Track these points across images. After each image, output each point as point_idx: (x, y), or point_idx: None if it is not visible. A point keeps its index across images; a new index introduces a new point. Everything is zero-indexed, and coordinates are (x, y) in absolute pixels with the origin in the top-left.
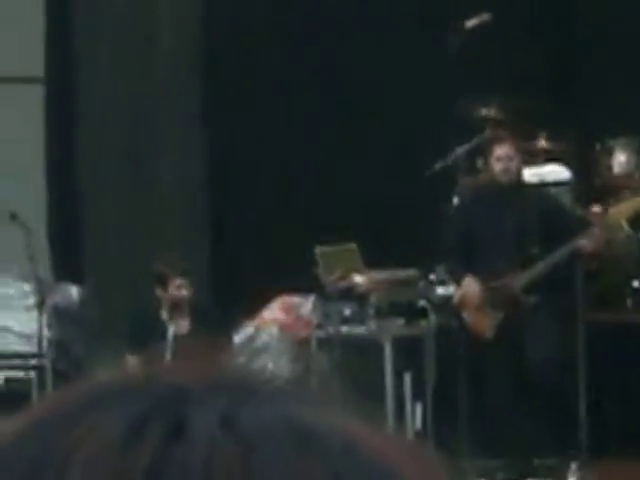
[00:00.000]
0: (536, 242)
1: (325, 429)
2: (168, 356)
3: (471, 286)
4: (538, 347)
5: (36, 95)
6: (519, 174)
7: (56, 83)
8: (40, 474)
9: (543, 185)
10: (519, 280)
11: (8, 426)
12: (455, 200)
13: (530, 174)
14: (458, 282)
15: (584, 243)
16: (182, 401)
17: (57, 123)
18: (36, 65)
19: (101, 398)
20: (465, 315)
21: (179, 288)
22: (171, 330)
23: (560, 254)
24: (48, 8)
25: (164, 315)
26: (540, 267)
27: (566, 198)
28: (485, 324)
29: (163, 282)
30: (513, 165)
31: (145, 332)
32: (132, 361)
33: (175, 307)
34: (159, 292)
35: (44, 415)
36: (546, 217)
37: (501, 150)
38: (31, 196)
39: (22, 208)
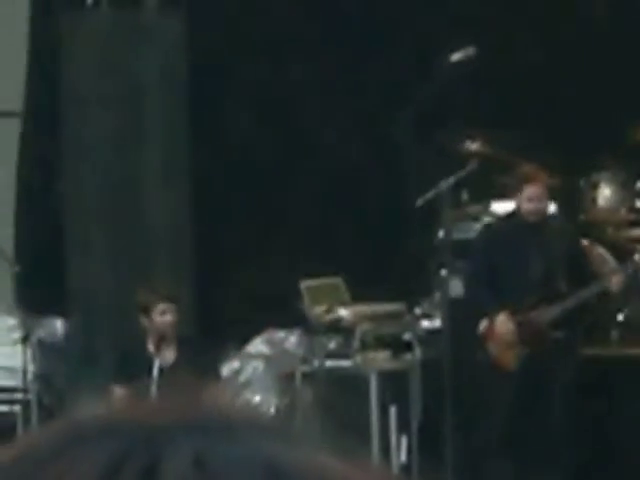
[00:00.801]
0: (563, 278)
1: (302, 469)
2: (154, 389)
3: (505, 323)
4: (560, 379)
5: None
6: (546, 213)
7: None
8: None
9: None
10: (547, 315)
11: None
12: (479, 231)
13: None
14: (486, 314)
15: (612, 282)
16: (158, 441)
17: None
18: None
19: (80, 436)
20: (491, 347)
21: (163, 314)
22: (157, 362)
23: (590, 291)
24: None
25: (150, 347)
26: (569, 303)
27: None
28: (511, 358)
29: (147, 310)
30: (543, 206)
31: (131, 365)
32: (118, 394)
33: (161, 338)
34: (144, 322)
35: (23, 452)
36: (571, 253)
37: (533, 190)
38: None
39: (4, 241)
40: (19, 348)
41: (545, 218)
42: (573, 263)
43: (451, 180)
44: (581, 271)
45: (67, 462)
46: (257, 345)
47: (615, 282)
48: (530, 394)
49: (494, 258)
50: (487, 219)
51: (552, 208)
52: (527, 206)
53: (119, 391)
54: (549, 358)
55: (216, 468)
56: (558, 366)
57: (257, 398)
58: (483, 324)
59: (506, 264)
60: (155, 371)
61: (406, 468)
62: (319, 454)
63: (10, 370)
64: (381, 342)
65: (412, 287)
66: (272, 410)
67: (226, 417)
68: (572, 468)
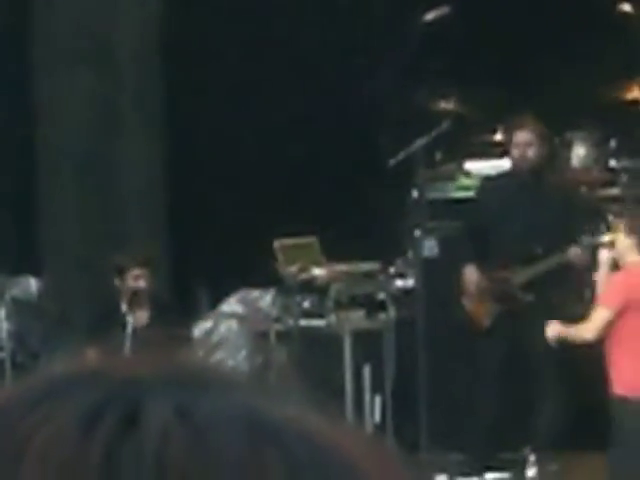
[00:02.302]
0: (542, 240)
1: (281, 421)
2: (127, 348)
3: (471, 275)
4: (530, 344)
5: None
6: (539, 162)
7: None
8: None
9: (564, 177)
10: (517, 277)
11: None
12: (478, 185)
13: (487, 167)
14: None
15: (572, 257)
16: (137, 392)
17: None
18: None
19: (56, 388)
20: (465, 302)
21: (137, 279)
22: (130, 322)
23: (555, 261)
24: None
25: (123, 307)
26: (538, 268)
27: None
28: (483, 313)
29: (121, 273)
30: (531, 152)
31: (104, 324)
32: (91, 353)
33: (134, 299)
34: (118, 283)
35: (1, 404)
36: (561, 215)
37: (520, 136)
38: None
39: None
40: None
41: (537, 169)
42: (561, 224)
43: (425, 139)
44: (564, 233)
45: (44, 414)
46: (231, 304)
47: (573, 254)
48: (511, 357)
49: (486, 215)
50: (465, 178)
51: None
52: (514, 153)
53: (92, 350)
54: (523, 319)
55: (198, 417)
56: (531, 330)
57: (230, 357)
58: (460, 280)
59: (495, 219)
60: (128, 331)
61: (380, 428)
62: (300, 408)
63: None
64: (355, 301)
65: (386, 247)
66: (246, 369)
67: (204, 372)
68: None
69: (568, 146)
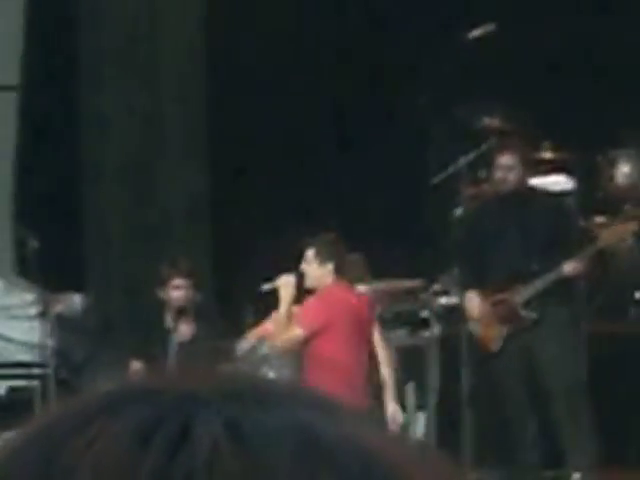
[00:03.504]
0: (537, 257)
1: (335, 438)
2: (171, 363)
3: (472, 300)
4: (544, 360)
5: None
6: (521, 185)
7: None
8: (50, 474)
9: (550, 195)
10: (519, 296)
11: (21, 430)
12: (459, 210)
13: (533, 184)
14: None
15: (569, 270)
16: (189, 407)
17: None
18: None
19: (111, 404)
20: (471, 327)
21: (178, 288)
22: (174, 337)
23: (554, 275)
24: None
25: (168, 321)
26: (538, 285)
27: (570, 208)
28: (491, 337)
29: (163, 284)
30: (512, 175)
31: (149, 339)
32: (136, 368)
33: (179, 313)
34: (162, 295)
35: (56, 419)
36: (550, 230)
37: (502, 159)
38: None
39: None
40: (37, 323)
41: (522, 192)
42: (552, 238)
43: (469, 157)
44: (561, 249)
45: (98, 429)
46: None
47: (570, 268)
48: (529, 374)
49: (479, 234)
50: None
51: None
52: (496, 174)
53: (136, 365)
54: (531, 337)
55: (249, 432)
56: (545, 344)
57: (274, 374)
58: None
59: (486, 241)
60: (172, 346)
61: (423, 444)
62: (354, 424)
63: (28, 345)
64: (399, 319)
65: (429, 264)
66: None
67: (257, 387)
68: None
69: (612, 164)
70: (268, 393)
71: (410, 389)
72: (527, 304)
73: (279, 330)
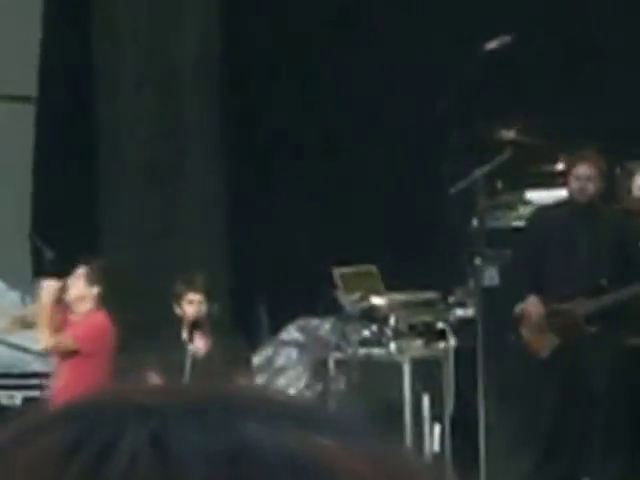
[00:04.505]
0: (607, 272)
1: (273, 450)
2: (187, 377)
3: (534, 306)
4: (592, 376)
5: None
6: (596, 196)
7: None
8: None
9: (620, 211)
10: (583, 309)
11: None
12: (530, 213)
13: (548, 197)
14: (522, 298)
15: None
16: (119, 422)
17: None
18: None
19: (40, 424)
20: (523, 331)
21: (191, 303)
22: (190, 351)
23: (630, 292)
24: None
25: (184, 335)
26: (606, 300)
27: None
28: (542, 344)
29: (178, 299)
30: (591, 186)
31: (165, 351)
32: (151, 379)
33: (195, 327)
34: (178, 311)
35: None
36: (621, 246)
37: (581, 169)
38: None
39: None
40: None
41: (595, 204)
42: (622, 255)
43: (486, 168)
44: (628, 266)
45: (26, 449)
46: (291, 332)
47: None
48: (569, 388)
49: (540, 243)
50: (525, 207)
51: None
52: (574, 185)
53: (154, 378)
54: (583, 351)
55: (173, 448)
56: (593, 361)
57: (290, 385)
58: (518, 307)
59: (552, 251)
60: (188, 359)
61: (439, 456)
62: (320, 437)
63: (43, 356)
64: (415, 330)
65: (446, 275)
66: (305, 397)
67: (213, 398)
68: (624, 458)
69: (629, 176)
70: (217, 406)
71: (426, 401)
72: (589, 318)
73: (42, 329)
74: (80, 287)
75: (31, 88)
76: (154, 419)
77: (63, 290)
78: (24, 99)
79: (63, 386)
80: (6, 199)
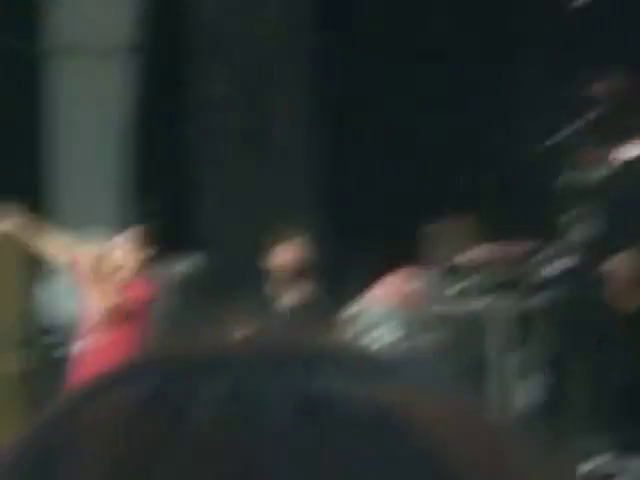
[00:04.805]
0: None
1: (357, 402)
2: (279, 326)
3: (628, 260)
4: None
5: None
6: None
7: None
8: (52, 447)
9: None
10: None
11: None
12: (624, 166)
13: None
14: (615, 252)
15: None
16: (198, 373)
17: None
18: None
19: (124, 374)
20: (613, 284)
21: (284, 253)
22: (280, 303)
23: None
24: None
25: (273, 287)
26: None
27: None
28: (631, 297)
29: (270, 250)
30: None
31: (255, 303)
32: (240, 332)
33: (287, 277)
34: (270, 260)
35: (60, 403)
36: None
37: None
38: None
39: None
40: None
41: None
42: None
43: (578, 124)
44: None
45: (100, 404)
46: (385, 286)
47: None
48: None
49: (634, 197)
50: (619, 162)
51: None
52: None
53: (241, 329)
54: None
55: (254, 398)
56: None
57: (383, 339)
58: (610, 262)
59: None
60: (279, 310)
61: (529, 414)
62: (404, 389)
63: None
64: (506, 285)
65: (538, 229)
66: (399, 351)
67: (297, 350)
68: None
69: None
70: (293, 356)
71: (515, 357)
72: None
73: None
74: (125, 252)
75: (129, 41)
76: (234, 370)
77: (101, 258)
78: (124, 51)
79: (103, 347)
80: (108, 152)
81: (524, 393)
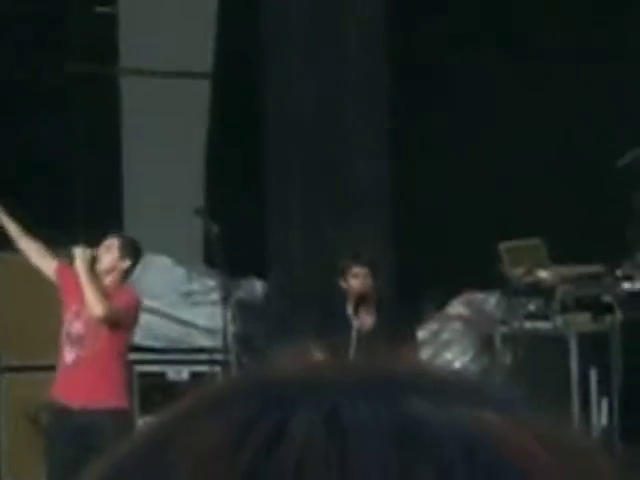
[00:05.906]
0: None
1: (443, 427)
2: (352, 351)
3: None
4: None
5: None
6: None
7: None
8: (149, 472)
9: None
10: None
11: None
12: None
13: None
14: None
15: None
16: (292, 398)
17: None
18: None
19: (211, 404)
20: None
21: (356, 277)
22: (355, 325)
23: None
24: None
25: (349, 310)
26: None
27: None
28: None
29: (343, 273)
30: None
31: (330, 326)
32: (317, 355)
33: (360, 301)
34: (343, 284)
35: (167, 417)
36: None
37: None
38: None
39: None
40: (219, 309)
41: None
42: None
43: None
44: None
45: (196, 433)
46: (456, 307)
47: None
48: None
49: None
50: None
51: None
52: None
53: (318, 352)
54: None
55: (346, 425)
56: None
57: (456, 359)
58: None
59: None
60: (353, 334)
61: (607, 431)
62: (489, 414)
63: (210, 331)
64: (581, 304)
65: (613, 249)
66: (471, 371)
67: (380, 374)
68: None
69: None
70: (387, 381)
71: (593, 375)
72: None
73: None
74: (113, 258)
75: (206, 65)
76: (325, 396)
77: (94, 260)
78: (201, 75)
79: (92, 354)
80: (179, 174)
81: (603, 412)
